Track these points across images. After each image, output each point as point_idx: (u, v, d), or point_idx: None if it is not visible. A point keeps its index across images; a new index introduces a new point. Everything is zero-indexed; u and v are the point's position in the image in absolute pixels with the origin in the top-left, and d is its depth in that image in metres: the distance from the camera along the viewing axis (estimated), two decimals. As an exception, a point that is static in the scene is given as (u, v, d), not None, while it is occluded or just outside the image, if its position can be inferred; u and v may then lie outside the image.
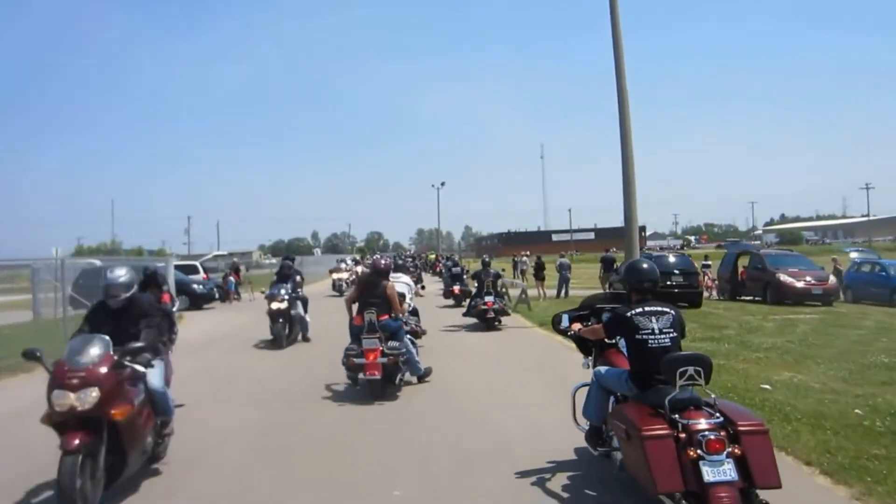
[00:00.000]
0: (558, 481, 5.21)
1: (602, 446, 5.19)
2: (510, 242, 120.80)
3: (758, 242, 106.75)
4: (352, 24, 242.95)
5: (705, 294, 22.67)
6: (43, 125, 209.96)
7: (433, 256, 60.88)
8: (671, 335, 4.62)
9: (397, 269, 10.55)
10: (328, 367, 9.75)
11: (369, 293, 8.77)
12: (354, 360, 8.28)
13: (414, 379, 9.14)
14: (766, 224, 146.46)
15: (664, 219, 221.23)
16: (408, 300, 10.94)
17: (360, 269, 39.48)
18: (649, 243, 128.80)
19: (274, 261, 74.86)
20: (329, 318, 15.49)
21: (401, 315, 9.16)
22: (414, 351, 9.10)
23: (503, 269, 22.52)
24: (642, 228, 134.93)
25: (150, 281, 10.41)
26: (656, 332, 4.59)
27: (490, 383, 9.37)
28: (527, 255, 37.10)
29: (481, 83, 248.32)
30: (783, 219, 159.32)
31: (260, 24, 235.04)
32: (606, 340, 5.33)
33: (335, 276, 31.08)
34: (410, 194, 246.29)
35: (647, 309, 4.69)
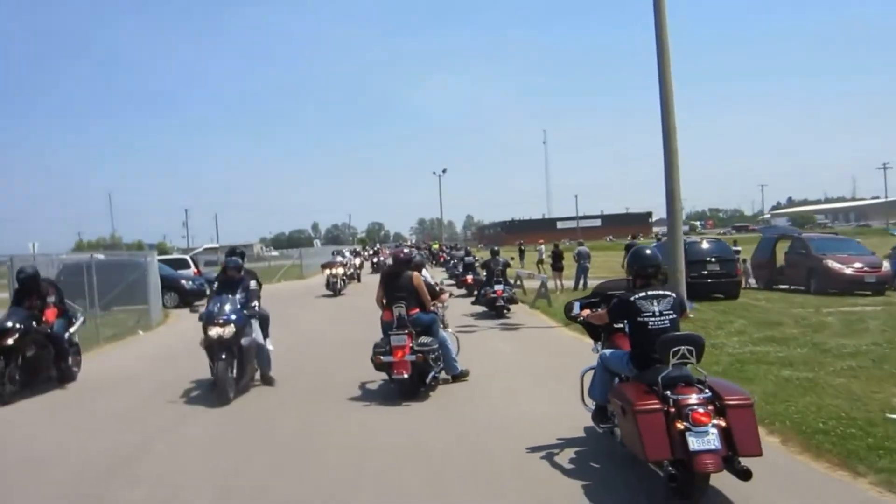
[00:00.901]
0: (566, 455, 5.53)
1: (606, 423, 5.47)
2: (514, 230, 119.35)
3: (759, 226, 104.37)
4: (349, 12, 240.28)
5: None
6: (42, 120, 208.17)
7: (436, 246, 58.70)
8: (670, 317, 4.97)
9: (409, 261, 8.86)
10: (303, 440, 6.43)
11: (394, 286, 8.22)
12: (382, 357, 7.67)
13: (450, 377, 8.43)
14: (773, 208, 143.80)
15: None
16: None
17: (358, 260, 36.29)
18: (655, 230, 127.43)
19: (276, 253, 73.03)
20: (317, 335, 13.57)
21: (438, 307, 8.79)
22: (452, 347, 8.49)
23: (512, 258, 22.14)
24: (648, 214, 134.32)
25: (29, 288, 8.99)
26: (656, 314, 4.93)
27: (518, 401, 7.60)
28: (542, 244, 35.05)
29: (482, 69, 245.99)
30: (790, 202, 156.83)
31: (257, 13, 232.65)
32: (614, 325, 5.59)
33: (330, 271, 24.96)
34: (411, 185, 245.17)
35: (649, 293, 5.03)
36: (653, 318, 4.91)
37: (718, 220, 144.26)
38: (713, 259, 18.13)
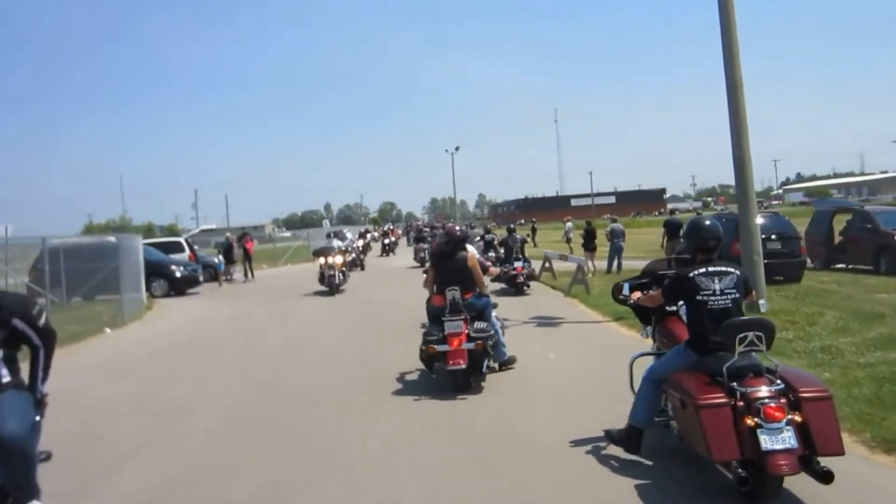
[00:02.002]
0: (613, 449, 4.93)
1: (659, 416, 4.87)
2: (527, 208, 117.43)
3: (778, 203, 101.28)
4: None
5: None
6: (55, 103, 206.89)
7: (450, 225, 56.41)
8: (732, 296, 4.47)
9: (465, 239, 8.14)
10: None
11: (446, 268, 7.50)
12: (436, 347, 6.96)
13: (496, 366, 7.62)
14: (784, 183, 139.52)
15: (680, 180, 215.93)
16: None
17: (361, 242, 32.53)
18: (670, 206, 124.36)
19: (288, 234, 70.82)
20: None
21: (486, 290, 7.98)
22: (501, 332, 7.73)
23: (528, 235, 21.61)
24: (662, 191, 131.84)
25: None
26: (717, 293, 4.45)
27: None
28: (569, 220, 32.46)
29: (493, 48, 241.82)
30: (799, 177, 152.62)
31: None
32: (667, 308, 5.13)
33: (324, 261, 18.38)
34: (423, 164, 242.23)
35: (710, 269, 4.53)
36: (713, 297, 4.42)
37: (730, 197, 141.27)
38: (774, 237, 15.70)
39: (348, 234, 27.81)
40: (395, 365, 8.39)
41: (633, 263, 20.97)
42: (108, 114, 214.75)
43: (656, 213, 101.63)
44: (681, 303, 4.90)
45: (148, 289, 18.68)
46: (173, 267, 19.93)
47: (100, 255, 15.34)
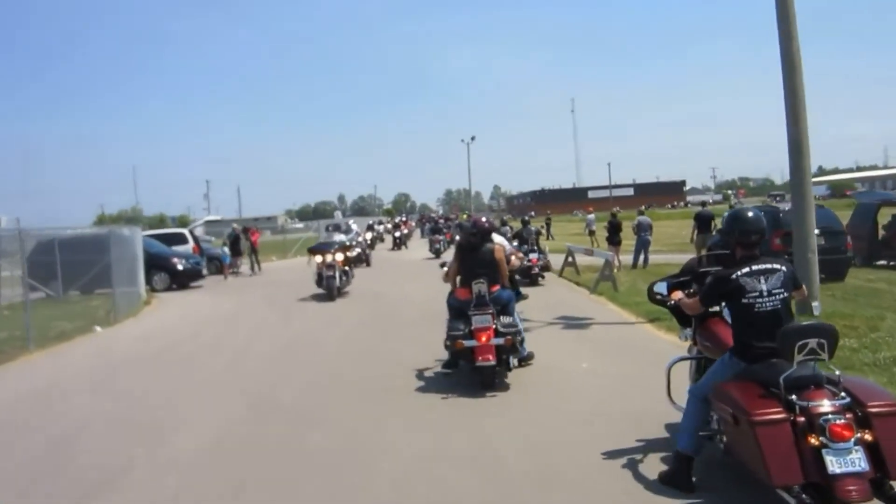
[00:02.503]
0: (651, 465, 4.46)
1: (704, 429, 4.33)
2: (544, 200, 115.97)
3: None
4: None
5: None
6: (65, 91, 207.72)
7: (465, 216, 55.06)
8: (781, 296, 4.00)
9: (493, 230, 7.93)
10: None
11: (473, 260, 7.26)
12: (464, 342, 6.66)
13: (515, 361, 7.20)
14: None
15: (700, 172, 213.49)
16: None
17: (369, 235, 31.00)
18: (689, 198, 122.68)
19: (300, 225, 70.03)
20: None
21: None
22: (521, 326, 7.37)
23: (542, 227, 21.95)
24: (682, 183, 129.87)
25: None
26: (764, 293, 3.96)
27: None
28: (592, 212, 31.15)
29: (509, 37, 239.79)
30: (822, 171, 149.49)
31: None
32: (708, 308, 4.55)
33: (322, 259, 15.32)
34: (438, 156, 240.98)
35: (754, 268, 4.03)
36: (759, 299, 3.95)
37: (749, 190, 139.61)
38: (818, 231, 14.50)
39: (354, 227, 25.96)
40: (406, 372, 7.44)
41: (659, 257, 19.82)
42: (122, 103, 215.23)
43: (669, 206, 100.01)
44: (723, 304, 4.48)
45: (149, 282, 17.82)
46: (175, 260, 18.99)
47: (98, 248, 14.46)
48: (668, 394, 4.91)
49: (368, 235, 30.96)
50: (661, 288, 5.01)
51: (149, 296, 16.48)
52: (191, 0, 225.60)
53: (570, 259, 17.40)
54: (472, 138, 68.04)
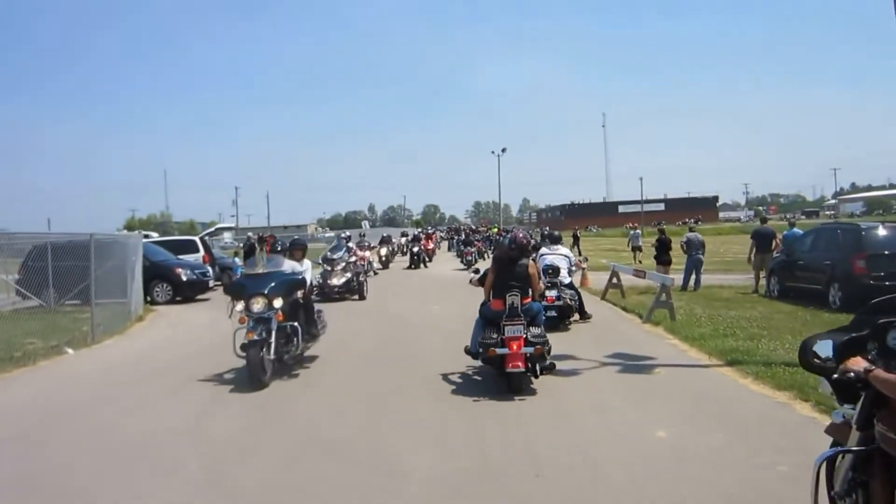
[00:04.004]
0: None
1: None
2: (573, 214, 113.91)
3: (831, 213, 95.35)
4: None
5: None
6: (98, 96, 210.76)
7: (495, 230, 52.93)
8: None
9: (553, 240, 9.28)
10: None
11: (509, 273, 7.57)
12: (496, 350, 7.02)
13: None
14: (837, 194, 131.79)
15: (732, 188, 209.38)
16: (564, 273, 11.66)
17: (383, 250, 27.64)
18: (721, 214, 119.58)
19: (331, 234, 68.74)
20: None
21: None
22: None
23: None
24: (715, 199, 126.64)
25: None
26: None
27: None
28: (636, 228, 29.11)
29: (541, 51, 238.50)
30: (854, 188, 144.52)
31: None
32: None
33: (245, 307, 7.94)
34: (468, 167, 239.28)
35: None
36: None
37: (780, 206, 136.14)
38: (900, 253, 12.58)
39: (348, 242, 18.33)
40: (416, 445, 5.64)
41: (708, 278, 17.80)
42: (154, 108, 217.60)
43: (690, 221, 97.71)
44: None
45: (149, 295, 16.28)
46: (179, 270, 17.36)
47: (86, 256, 12.97)
48: (815, 498, 3.12)
49: (383, 251, 28.03)
50: (824, 349, 3.12)
51: (145, 310, 14.88)
52: (229, 6, 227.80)
53: (615, 280, 15.43)
54: (504, 150, 66.41)
